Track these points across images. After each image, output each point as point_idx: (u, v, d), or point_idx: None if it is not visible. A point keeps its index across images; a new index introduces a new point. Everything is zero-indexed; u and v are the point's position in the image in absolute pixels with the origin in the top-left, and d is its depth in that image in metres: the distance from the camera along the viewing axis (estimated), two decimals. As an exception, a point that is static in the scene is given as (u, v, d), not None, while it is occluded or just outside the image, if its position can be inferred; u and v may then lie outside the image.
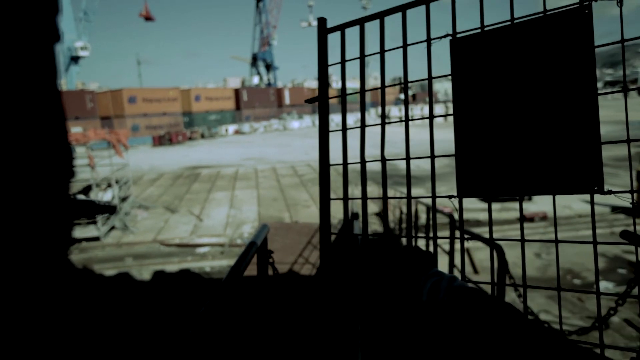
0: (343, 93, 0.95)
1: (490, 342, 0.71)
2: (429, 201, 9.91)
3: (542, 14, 0.98)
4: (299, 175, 23.59)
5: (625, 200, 0.94)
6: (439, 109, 56.44)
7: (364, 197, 1.03)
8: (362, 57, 0.98)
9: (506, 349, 0.70)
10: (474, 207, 14.31)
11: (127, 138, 19.41)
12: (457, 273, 6.73)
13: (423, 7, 1.00)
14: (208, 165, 29.60)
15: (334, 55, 1.11)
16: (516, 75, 0.99)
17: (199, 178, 24.73)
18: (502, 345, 0.71)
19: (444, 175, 17.41)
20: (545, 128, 0.98)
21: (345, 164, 1.04)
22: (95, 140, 15.97)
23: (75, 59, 55.84)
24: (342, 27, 0.95)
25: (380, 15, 0.96)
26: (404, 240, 7.68)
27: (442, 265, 8.17)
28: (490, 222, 1.03)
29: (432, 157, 0.96)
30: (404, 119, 1.00)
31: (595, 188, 0.96)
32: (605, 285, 8.61)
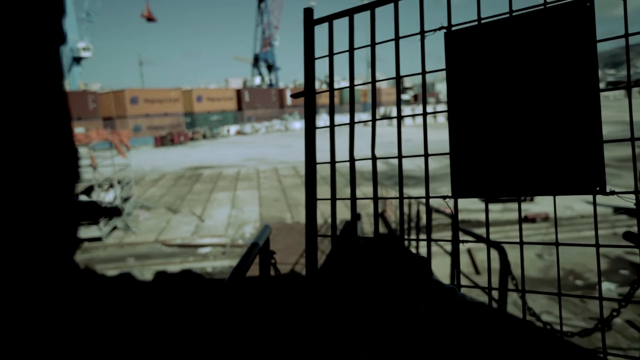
0: (331, 88, 0.92)
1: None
2: (431, 201, 9.86)
3: (542, 7, 0.94)
4: (300, 175, 23.57)
5: (629, 201, 0.90)
6: (441, 110, 56.02)
7: (353, 198, 0.99)
8: (352, 50, 0.94)
9: None
10: (475, 208, 14.25)
11: (129, 138, 19.43)
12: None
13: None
14: (210, 165, 29.59)
15: (324, 49, 1.07)
16: (514, 70, 0.95)
17: (200, 178, 24.72)
18: None
19: (445, 175, 17.34)
20: (544, 125, 0.94)
21: (332, 162, 1.00)
22: (97, 140, 15.98)
23: (77, 60, 55.91)
24: (329, 19, 0.91)
25: (371, 6, 0.92)
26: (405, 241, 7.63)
27: (444, 265, 8.12)
28: (487, 223, 0.99)
29: (426, 155, 0.93)
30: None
31: (597, 188, 0.92)
32: (607, 287, 8.56)
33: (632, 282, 3.70)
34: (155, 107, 50.90)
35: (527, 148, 0.95)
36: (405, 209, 9.90)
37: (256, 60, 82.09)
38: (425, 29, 0.98)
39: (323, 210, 12.88)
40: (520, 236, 0.98)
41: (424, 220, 8.97)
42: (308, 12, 0.89)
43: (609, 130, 28.08)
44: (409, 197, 0.96)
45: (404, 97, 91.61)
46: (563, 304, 6.47)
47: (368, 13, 0.92)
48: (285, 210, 16.33)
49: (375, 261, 0.86)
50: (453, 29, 0.98)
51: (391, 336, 0.84)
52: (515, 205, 15.04)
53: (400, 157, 0.90)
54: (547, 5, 0.93)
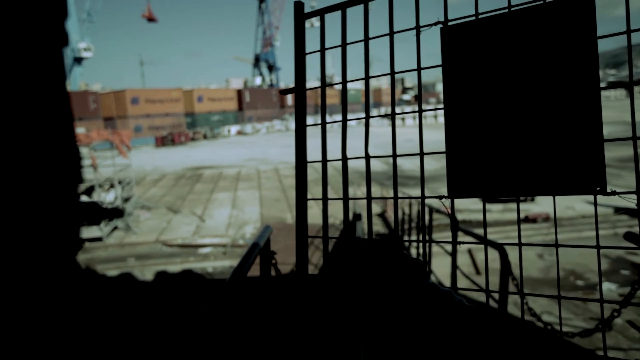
0: (323, 85, 0.90)
1: None
2: (431, 201, 9.86)
3: (541, 1, 0.92)
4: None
5: (630, 202, 0.88)
6: (441, 110, 56.09)
7: (345, 198, 0.97)
8: (344, 45, 0.92)
9: None
10: (476, 208, 14.24)
11: (130, 139, 19.45)
12: (458, 274, 6.67)
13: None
14: (210, 165, 29.61)
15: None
16: (513, 67, 0.93)
17: (201, 179, 24.74)
18: None
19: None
20: (543, 123, 0.92)
21: (324, 161, 0.98)
22: (98, 141, 15.99)
23: (78, 60, 55.97)
24: (321, 12, 0.89)
25: (365, 0, 0.90)
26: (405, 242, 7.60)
27: (445, 265, 8.11)
28: (485, 224, 0.97)
29: (421, 154, 0.91)
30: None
31: (598, 189, 0.90)
32: (608, 287, 8.54)
33: (633, 283, 3.67)
34: (156, 107, 50.97)
35: (526, 147, 0.92)
36: (407, 209, 9.90)
37: (257, 61, 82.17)
38: (423, 26, 0.96)
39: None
40: (519, 237, 0.96)
41: (425, 220, 8.96)
42: (298, 5, 0.87)
43: (610, 130, 28.03)
44: (403, 197, 0.94)
45: (405, 97, 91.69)
46: (564, 304, 6.44)
47: (362, 7, 0.90)
48: (286, 211, 16.32)
49: (372, 264, 0.84)
50: (450, 24, 0.96)
51: (389, 343, 0.82)
52: (516, 206, 15.03)
53: (394, 155, 0.88)
54: (547, 0, 0.91)
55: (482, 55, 0.93)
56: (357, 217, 7.51)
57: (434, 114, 41.74)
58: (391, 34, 0.90)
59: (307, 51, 0.96)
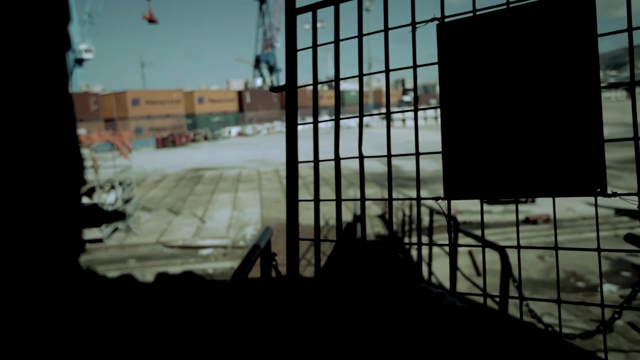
0: (315, 81, 0.88)
1: None
2: (432, 203, 9.83)
3: (539, -1, 0.90)
4: (301, 177, 23.54)
5: (632, 203, 0.86)
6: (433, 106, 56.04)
7: (338, 199, 0.95)
8: (337, 41, 0.90)
9: None
10: (476, 209, 14.20)
11: (131, 140, 19.44)
12: (458, 276, 6.63)
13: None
14: (211, 167, 29.61)
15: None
16: (511, 65, 0.91)
17: (202, 180, 24.73)
18: None
19: (447, 177, 17.34)
20: (543, 123, 0.90)
21: (316, 161, 0.96)
22: (99, 142, 15.97)
23: (79, 62, 56.00)
24: (313, 8, 0.87)
25: (358, -5, 0.88)
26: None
27: (445, 267, 8.08)
28: (482, 226, 0.95)
29: (417, 154, 0.89)
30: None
31: (598, 190, 0.88)
32: (609, 288, 8.51)
33: (634, 285, 3.65)
34: (156, 109, 50.99)
35: (525, 147, 0.90)
36: (407, 211, 9.88)
37: (257, 62, 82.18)
38: (419, 22, 0.94)
39: (324, 212, 12.85)
40: (518, 240, 0.94)
41: (425, 222, 8.94)
42: (290, 0, 0.85)
43: (610, 131, 28.01)
44: (398, 199, 0.92)
45: (405, 98, 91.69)
46: (564, 305, 6.42)
47: (355, 3, 0.88)
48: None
49: (366, 267, 0.82)
50: (446, 20, 0.94)
51: (384, 347, 0.80)
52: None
53: (389, 155, 0.86)
54: (546, -3, 0.89)
55: (480, 53, 0.91)
56: (358, 218, 7.51)
57: (435, 115, 41.70)
58: (386, 30, 0.87)
59: (299, 48, 0.94)
